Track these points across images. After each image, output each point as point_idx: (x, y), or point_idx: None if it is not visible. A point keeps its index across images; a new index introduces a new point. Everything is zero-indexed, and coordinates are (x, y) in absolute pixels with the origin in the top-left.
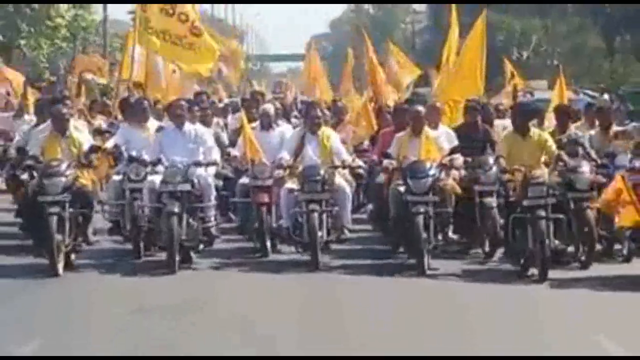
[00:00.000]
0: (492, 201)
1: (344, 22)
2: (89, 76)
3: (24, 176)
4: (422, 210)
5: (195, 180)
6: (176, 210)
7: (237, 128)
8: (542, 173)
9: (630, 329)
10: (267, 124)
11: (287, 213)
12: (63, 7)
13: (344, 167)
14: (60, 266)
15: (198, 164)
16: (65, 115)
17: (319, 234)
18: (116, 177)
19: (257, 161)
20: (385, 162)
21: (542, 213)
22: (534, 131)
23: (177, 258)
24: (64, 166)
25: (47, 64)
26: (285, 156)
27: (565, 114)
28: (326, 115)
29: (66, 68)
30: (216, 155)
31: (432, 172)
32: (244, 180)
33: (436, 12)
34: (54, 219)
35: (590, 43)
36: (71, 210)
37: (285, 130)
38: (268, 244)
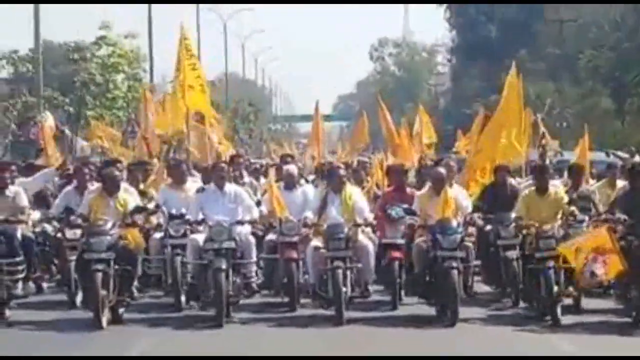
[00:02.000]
0: (513, 254)
1: (370, 83)
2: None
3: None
4: (454, 265)
5: (237, 238)
6: (223, 266)
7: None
8: (552, 227)
9: None
10: (291, 184)
11: (312, 270)
12: (119, 79)
13: (366, 226)
14: (105, 320)
15: (240, 222)
16: (117, 177)
17: (344, 289)
18: (157, 235)
19: (284, 219)
20: (408, 219)
21: (551, 264)
22: (552, 189)
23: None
24: (109, 225)
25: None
26: (310, 215)
27: (578, 173)
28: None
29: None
30: (256, 213)
31: (460, 229)
32: (271, 236)
33: (455, 74)
34: (99, 275)
35: (600, 105)
36: (116, 267)
37: (307, 189)
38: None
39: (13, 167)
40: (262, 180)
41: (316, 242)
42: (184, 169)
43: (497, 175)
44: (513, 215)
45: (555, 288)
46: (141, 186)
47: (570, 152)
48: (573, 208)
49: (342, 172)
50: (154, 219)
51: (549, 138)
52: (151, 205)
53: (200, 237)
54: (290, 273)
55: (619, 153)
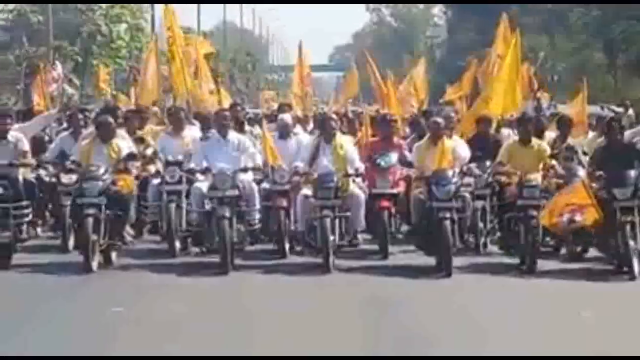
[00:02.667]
0: (480, 203)
1: (366, 34)
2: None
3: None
4: (447, 215)
5: (241, 186)
6: (227, 214)
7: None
8: (536, 177)
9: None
10: (284, 133)
11: (302, 218)
12: (122, 30)
13: (357, 176)
14: (95, 263)
15: (244, 170)
16: (111, 125)
17: (331, 238)
18: (154, 181)
19: (276, 167)
20: (406, 170)
21: (534, 212)
22: (535, 141)
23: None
24: (102, 171)
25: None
26: (301, 164)
27: (566, 124)
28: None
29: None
30: (259, 160)
31: (454, 179)
32: (264, 185)
33: (451, 27)
34: (90, 219)
35: (594, 60)
36: (107, 212)
37: (302, 139)
38: (286, 246)
39: (11, 114)
40: (258, 129)
41: (306, 190)
42: (181, 116)
43: (480, 126)
44: (487, 162)
45: (537, 237)
46: (138, 133)
47: (564, 106)
48: (554, 162)
49: (332, 122)
50: (152, 167)
51: (542, 91)
52: (149, 152)
53: (203, 185)
54: (280, 221)
55: (613, 107)
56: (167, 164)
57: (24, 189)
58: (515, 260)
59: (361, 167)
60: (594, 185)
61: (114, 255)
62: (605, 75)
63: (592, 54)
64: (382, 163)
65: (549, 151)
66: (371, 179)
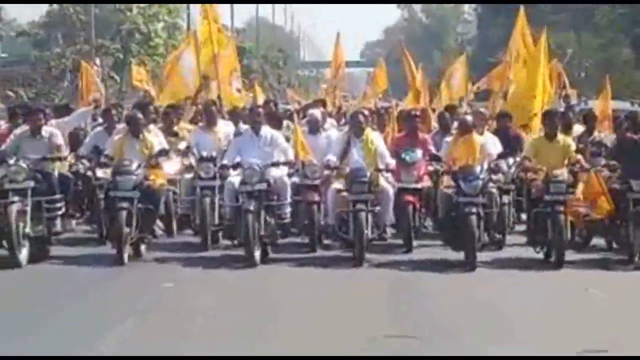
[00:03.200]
0: (506, 198)
1: (397, 30)
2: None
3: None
4: (474, 210)
5: (272, 180)
6: (252, 208)
7: None
8: (562, 172)
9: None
10: (314, 128)
11: (333, 212)
12: (159, 28)
13: (387, 171)
14: (126, 256)
15: (275, 164)
16: (140, 120)
17: (366, 232)
18: (187, 176)
19: (307, 162)
20: (435, 165)
21: (561, 208)
22: (561, 136)
23: (257, 252)
24: (134, 165)
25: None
26: (332, 158)
27: (592, 119)
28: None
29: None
30: (291, 155)
31: (482, 175)
32: (294, 179)
33: (481, 23)
34: (124, 213)
35: (621, 56)
36: (139, 206)
37: (332, 134)
38: (316, 240)
39: (47, 110)
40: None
41: (338, 184)
42: (214, 111)
43: (500, 122)
44: (511, 159)
45: (564, 233)
46: (175, 128)
47: (595, 102)
48: (579, 156)
49: (361, 117)
50: (184, 161)
51: (569, 87)
52: (182, 147)
53: (236, 180)
54: (311, 215)
55: None
56: (201, 159)
57: (59, 183)
58: (539, 256)
59: (392, 162)
60: (608, 175)
61: (143, 248)
62: (633, 72)
63: (620, 50)
64: (407, 158)
65: (574, 146)
66: (396, 174)
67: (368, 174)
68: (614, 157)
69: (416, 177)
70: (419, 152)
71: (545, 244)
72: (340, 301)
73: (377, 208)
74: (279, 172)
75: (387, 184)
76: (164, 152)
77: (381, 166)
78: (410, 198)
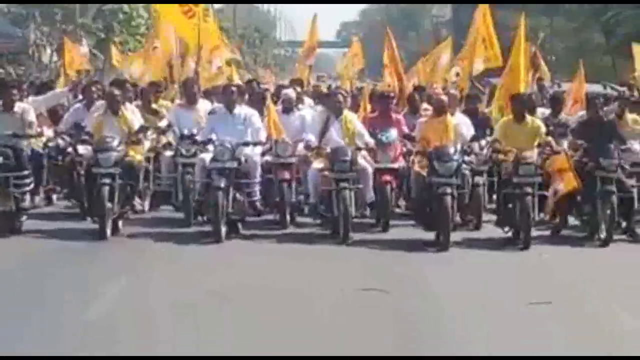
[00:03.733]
0: (480, 179)
1: (374, 11)
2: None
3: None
4: (448, 191)
5: (243, 159)
6: (222, 185)
7: None
8: (532, 154)
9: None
10: (288, 108)
11: (314, 190)
12: (141, 8)
13: (367, 150)
14: (109, 231)
15: (246, 143)
16: (117, 96)
17: (350, 209)
18: (168, 153)
19: (280, 140)
20: (409, 145)
21: (529, 190)
22: (529, 118)
23: (224, 229)
24: (115, 142)
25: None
26: (312, 138)
27: (557, 102)
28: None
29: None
30: (263, 136)
31: (456, 156)
32: (267, 158)
33: (457, 7)
34: (106, 188)
35: (592, 41)
36: (120, 181)
37: (306, 113)
38: (287, 217)
39: (23, 86)
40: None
41: (318, 164)
42: (195, 89)
43: (467, 104)
44: (483, 141)
45: (531, 214)
46: (153, 105)
47: (567, 85)
48: (550, 138)
49: (340, 97)
50: (163, 138)
51: (545, 70)
52: (162, 124)
53: (208, 157)
54: (282, 193)
55: (615, 86)
56: (182, 137)
57: (31, 159)
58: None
59: (371, 141)
60: (573, 153)
61: (120, 223)
62: (602, 56)
63: (591, 35)
64: (384, 138)
65: (544, 128)
66: (373, 154)
67: (349, 152)
68: (580, 135)
69: (393, 157)
70: (394, 132)
71: (513, 224)
72: (312, 277)
73: (359, 186)
74: (250, 151)
75: (365, 162)
76: (143, 129)
77: (361, 145)
78: (388, 178)
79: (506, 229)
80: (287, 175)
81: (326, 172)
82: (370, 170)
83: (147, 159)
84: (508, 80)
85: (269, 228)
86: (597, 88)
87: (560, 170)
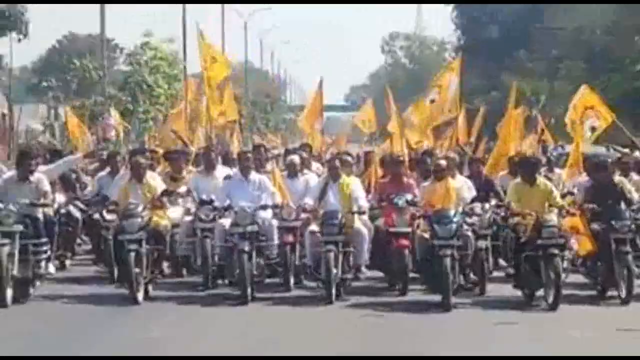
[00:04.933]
0: (483, 243)
1: (382, 75)
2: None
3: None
4: (448, 252)
5: (260, 222)
6: (246, 248)
7: None
8: (553, 217)
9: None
10: (293, 172)
11: (310, 252)
12: (160, 79)
13: (360, 213)
14: (140, 295)
15: (264, 207)
16: (143, 165)
17: (334, 271)
18: (187, 218)
19: (285, 205)
20: (412, 209)
21: (556, 251)
22: (540, 181)
23: (248, 290)
24: (140, 208)
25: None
26: (309, 201)
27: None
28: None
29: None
30: (278, 199)
31: (456, 218)
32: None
33: (461, 70)
34: (132, 254)
35: None
36: (147, 246)
37: (310, 178)
38: (291, 279)
39: (39, 157)
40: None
41: (314, 226)
42: (213, 156)
43: (471, 167)
44: (487, 204)
45: (561, 274)
46: (183, 172)
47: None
48: (563, 202)
49: (337, 162)
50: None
51: (548, 137)
52: (182, 190)
53: (226, 222)
54: (284, 256)
55: (619, 148)
56: (201, 202)
57: (45, 226)
58: (518, 294)
59: (365, 205)
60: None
61: (150, 287)
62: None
63: None
64: (400, 203)
65: (556, 191)
66: (388, 218)
67: (340, 216)
68: (591, 199)
69: (408, 221)
70: (409, 197)
71: (533, 286)
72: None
73: (351, 249)
74: (267, 215)
75: (362, 226)
76: (167, 192)
77: (355, 209)
78: (404, 242)
79: (526, 291)
80: (291, 238)
81: (318, 235)
82: (365, 233)
83: (177, 225)
84: (500, 143)
85: (275, 290)
86: (600, 150)
87: (573, 230)
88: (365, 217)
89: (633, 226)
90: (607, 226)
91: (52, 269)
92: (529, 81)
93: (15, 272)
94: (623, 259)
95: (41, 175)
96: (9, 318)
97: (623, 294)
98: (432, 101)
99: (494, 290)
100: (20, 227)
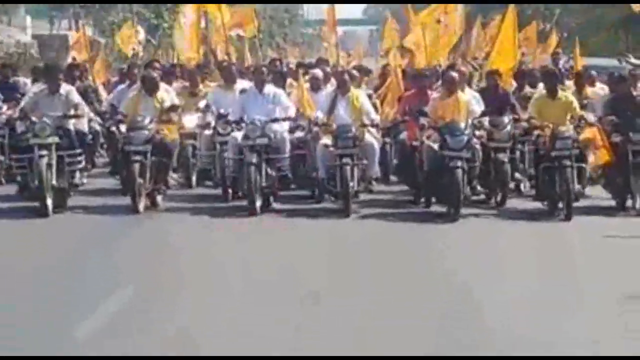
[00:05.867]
0: (505, 156)
1: None
2: None
3: (114, 129)
4: (459, 164)
5: (272, 135)
6: (254, 161)
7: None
8: (568, 128)
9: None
10: (315, 86)
11: (322, 166)
12: None
13: (372, 126)
14: (141, 205)
15: (275, 120)
16: (154, 77)
17: (351, 184)
18: (207, 132)
19: (312, 117)
20: (422, 120)
21: (568, 162)
22: (562, 93)
23: (258, 202)
24: (147, 121)
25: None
26: (320, 115)
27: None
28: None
29: None
30: (292, 112)
31: (467, 131)
32: (299, 134)
33: None
34: (137, 165)
35: (608, 16)
36: (153, 158)
37: (332, 91)
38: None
39: (62, 69)
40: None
41: (326, 140)
42: (233, 70)
43: (488, 80)
44: (506, 119)
45: (571, 186)
46: (200, 86)
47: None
48: (582, 112)
49: (347, 76)
50: (204, 118)
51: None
52: (201, 104)
53: (239, 135)
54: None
55: (632, 60)
56: (219, 116)
57: (77, 138)
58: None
59: (376, 118)
60: (607, 128)
61: (159, 198)
62: (619, 31)
63: (607, 10)
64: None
65: (576, 103)
66: (412, 131)
67: (353, 129)
68: (611, 111)
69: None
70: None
71: (552, 197)
72: (327, 249)
73: (364, 162)
74: (280, 128)
75: (372, 138)
76: (174, 108)
77: (367, 122)
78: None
79: (545, 202)
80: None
81: (332, 148)
82: (376, 145)
83: (194, 137)
84: (497, 55)
85: (301, 202)
86: (613, 62)
87: (592, 142)
88: (374, 129)
89: None
90: (624, 138)
91: (84, 179)
92: None
93: (54, 182)
94: (639, 170)
95: (71, 88)
96: (52, 226)
97: (638, 205)
98: (438, 21)
99: (509, 202)
100: (56, 139)
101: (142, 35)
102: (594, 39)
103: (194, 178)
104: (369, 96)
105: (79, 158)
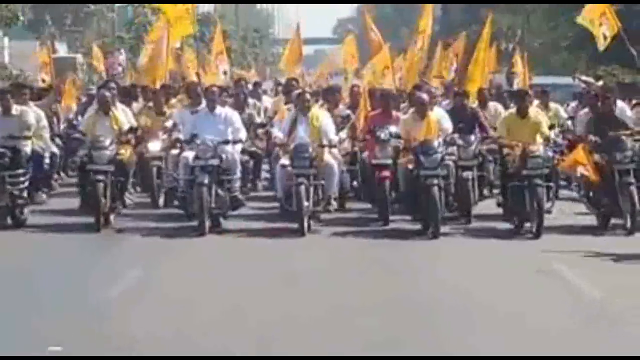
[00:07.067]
0: (469, 174)
1: (370, 7)
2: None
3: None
4: (435, 182)
5: (224, 156)
6: (206, 181)
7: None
8: (539, 148)
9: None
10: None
11: (281, 185)
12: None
13: (330, 147)
14: (100, 224)
15: (226, 142)
16: (107, 98)
17: (305, 204)
18: (173, 151)
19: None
20: (394, 141)
21: (540, 181)
22: (532, 113)
23: (207, 223)
24: (108, 141)
25: None
26: (279, 135)
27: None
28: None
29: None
30: (243, 135)
31: (440, 149)
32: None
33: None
34: (101, 185)
35: (567, 37)
36: (113, 178)
37: (292, 112)
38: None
39: (25, 90)
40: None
41: (284, 160)
42: (199, 91)
43: (455, 100)
44: (472, 136)
45: (543, 205)
46: (165, 107)
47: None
48: (550, 133)
49: (307, 96)
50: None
51: (520, 66)
52: (168, 124)
53: (190, 155)
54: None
55: (584, 77)
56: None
57: (33, 159)
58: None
59: (335, 138)
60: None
61: (112, 217)
62: (576, 50)
63: (565, 32)
64: (382, 135)
65: (545, 123)
66: (371, 150)
67: (310, 149)
68: (592, 131)
69: (390, 154)
70: (393, 129)
71: (520, 215)
72: (283, 268)
73: (321, 182)
74: (231, 149)
75: (331, 159)
76: (133, 130)
77: (325, 142)
78: (386, 173)
79: (514, 220)
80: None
81: (289, 168)
82: (335, 166)
83: (160, 158)
84: (472, 75)
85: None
86: (567, 80)
87: (579, 164)
88: (335, 150)
89: (636, 157)
90: (609, 158)
91: (39, 197)
92: (505, 16)
93: None
94: (626, 189)
95: (26, 108)
96: None
97: (628, 224)
98: (421, 48)
99: (478, 220)
100: None
101: (122, 56)
102: (555, 57)
103: (161, 199)
104: (347, 117)
105: (22, 178)
